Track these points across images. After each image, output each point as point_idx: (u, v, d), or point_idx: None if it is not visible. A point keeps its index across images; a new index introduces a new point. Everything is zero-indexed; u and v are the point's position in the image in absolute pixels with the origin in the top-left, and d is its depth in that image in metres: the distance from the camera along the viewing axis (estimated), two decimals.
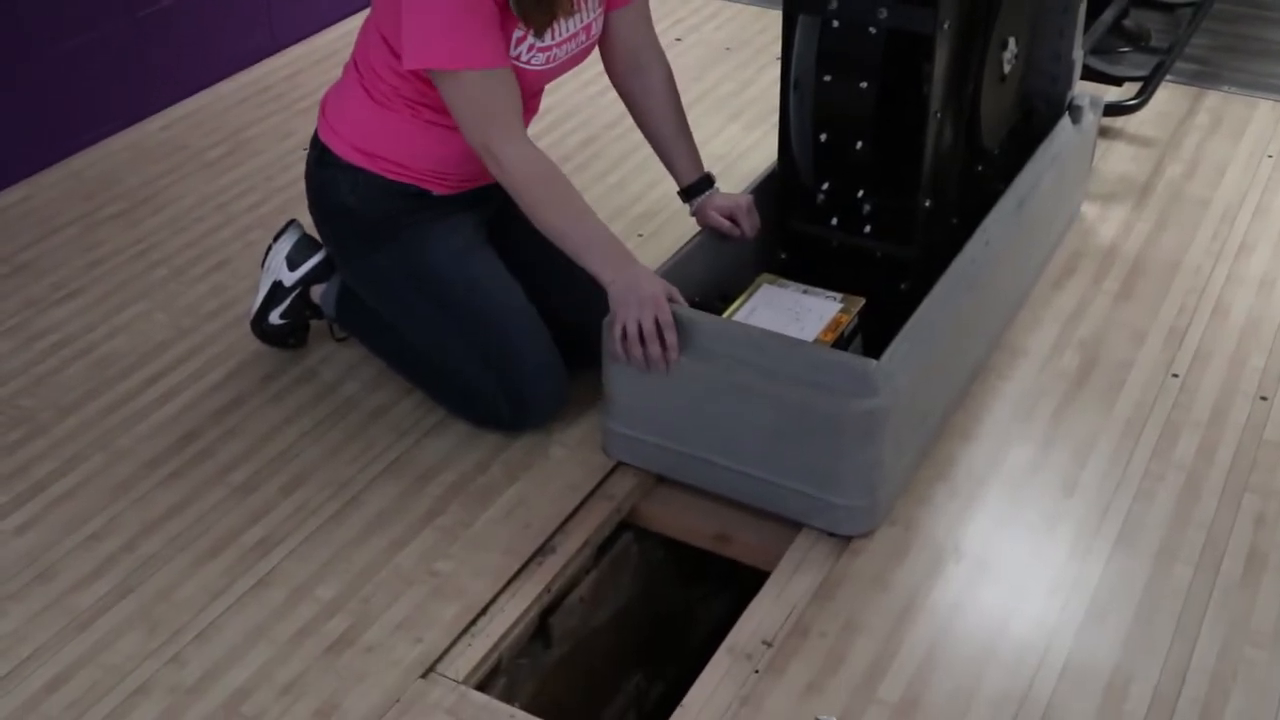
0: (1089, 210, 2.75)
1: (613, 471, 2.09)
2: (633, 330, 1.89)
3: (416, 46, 1.88)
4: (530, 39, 1.94)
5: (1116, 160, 2.94)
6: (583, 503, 2.03)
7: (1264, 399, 2.23)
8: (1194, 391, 2.24)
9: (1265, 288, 2.51)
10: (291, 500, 2.02)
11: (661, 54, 2.17)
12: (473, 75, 1.87)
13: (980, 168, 2.33)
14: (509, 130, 1.91)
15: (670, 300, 1.91)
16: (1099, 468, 2.08)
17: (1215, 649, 1.77)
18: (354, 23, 3.46)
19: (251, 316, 2.30)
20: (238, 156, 2.99)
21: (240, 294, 2.49)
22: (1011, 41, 2.25)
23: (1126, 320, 2.42)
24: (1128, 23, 3.46)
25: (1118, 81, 3.06)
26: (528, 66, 1.96)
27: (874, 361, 1.85)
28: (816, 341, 1.97)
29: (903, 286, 2.18)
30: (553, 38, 1.97)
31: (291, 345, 2.32)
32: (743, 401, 1.91)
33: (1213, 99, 3.21)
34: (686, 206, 2.20)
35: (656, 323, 1.89)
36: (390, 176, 2.06)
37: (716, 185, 2.19)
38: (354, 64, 2.09)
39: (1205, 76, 3.32)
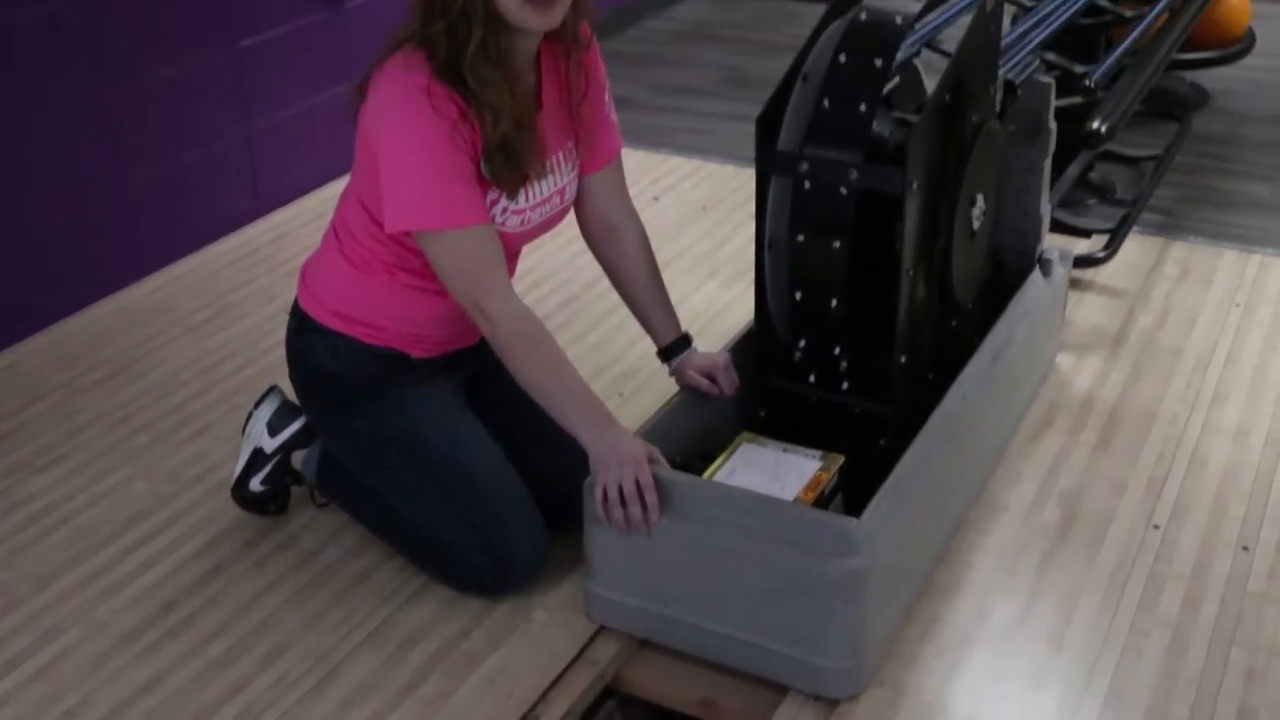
0: (1063, 361, 2.79)
1: (596, 635, 2.07)
2: (613, 493, 1.90)
3: (398, 210, 1.92)
4: (504, 201, 1.98)
5: (1088, 311, 2.98)
6: (566, 669, 2.00)
7: (1245, 549, 2.23)
8: (1175, 543, 2.25)
9: (1240, 437, 2.53)
10: (271, 672, 1.99)
11: (635, 217, 2.22)
12: (456, 234, 1.91)
13: (954, 322, 2.37)
14: (496, 286, 1.94)
15: (651, 461, 1.92)
16: (1085, 622, 2.07)
17: None
18: (336, 186, 3.50)
19: (232, 483, 2.30)
20: (223, 320, 3.01)
21: (222, 459, 2.49)
22: (980, 198, 2.30)
23: (1105, 471, 2.43)
24: (1093, 176, 3.55)
25: (1086, 234, 3.13)
26: (503, 229, 2.00)
27: (855, 520, 1.85)
28: (797, 501, 1.97)
29: (881, 443, 2.20)
30: (526, 200, 2.01)
31: (273, 511, 2.32)
32: (725, 563, 1.91)
33: (1179, 249, 3.27)
34: (666, 366, 2.23)
35: (637, 484, 1.89)
36: (368, 340, 2.08)
37: (695, 344, 2.22)
38: (333, 231, 2.13)
39: (1171, 228, 3.40)
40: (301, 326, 2.15)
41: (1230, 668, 1.98)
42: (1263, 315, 2.96)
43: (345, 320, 2.09)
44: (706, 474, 2.03)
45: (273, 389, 2.34)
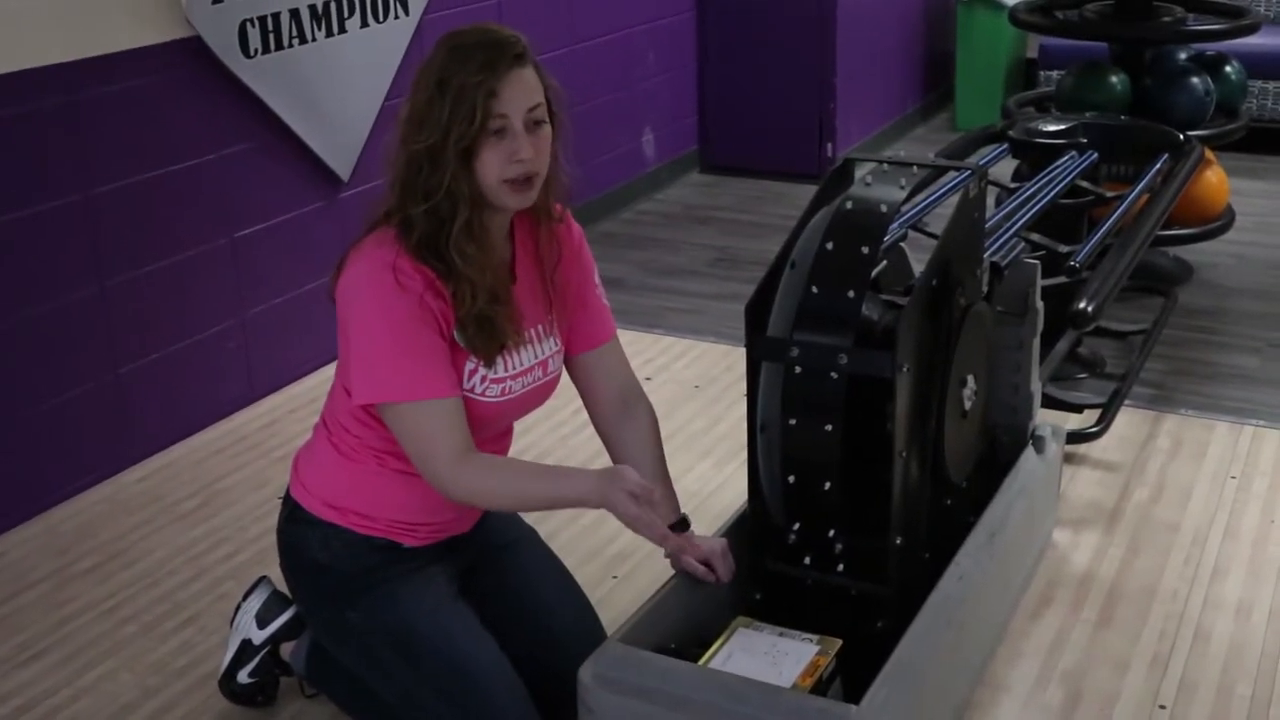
0: (1060, 537, 2.77)
1: None
2: (631, 511, 1.91)
3: (364, 381, 1.94)
4: (482, 370, 1.99)
5: (1083, 486, 2.98)
6: None
7: None
8: None
9: (1243, 613, 2.50)
10: None
11: (645, 396, 2.24)
12: (415, 406, 1.92)
13: (949, 501, 2.36)
14: (448, 452, 1.94)
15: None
16: None
17: None
18: (328, 371, 3.55)
19: (220, 675, 2.26)
20: (212, 507, 3.00)
21: (210, 650, 2.45)
22: (970, 379, 2.32)
23: (1107, 650, 2.40)
24: (1082, 350, 3.58)
25: (1078, 409, 3.14)
26: (482, 399, 2.01)
27: (854, 707, 1.82)
28: (795, 688, 1.94)
29: (879, 625, 2.17)
30: (506, 369, 2.02)
31: (260, 703, 2.27)
32: None
33: (1171, 422, 3.29)
34: (661, 549, 2.20)
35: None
36: (361, 530, 2.06)
37: (691, 528, 2.20)
38: (323, 422, 2.13)
39: (1162, 400, 3.42)
40: (293, 517, 2.13)
41: None
42: (1259, 487, 2.96)
43: (337, 511, 2.07)
44: (702, 660, 1.99)
45: (262, 580, 2.32)
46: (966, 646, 2.23)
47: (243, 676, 2.24)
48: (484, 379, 2.01)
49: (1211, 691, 2.28)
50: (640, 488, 1.92)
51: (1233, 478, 3.00)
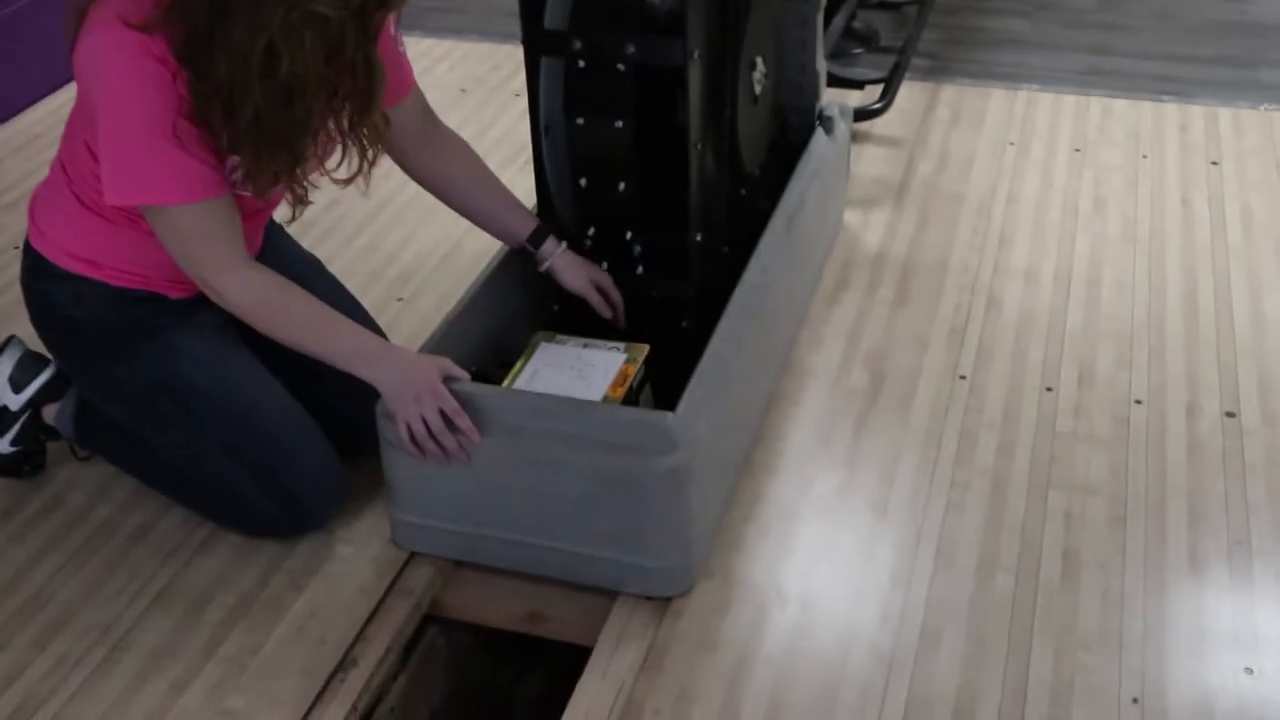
0: (851, 218, 2.74)
1: (408, 563, 1.93)
2: (419, 428, 1.76)
3: (118, 181, 1.68)
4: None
5: (869, 163, 2.94)
6: (379, 604, 1.87)
7: (1049, 390, 2.23)
8: (983, 392, 2.23)
9: (1031, 279, 2.53)
10: (49, 654, 1.80)
11: (453, 131, 2.06)
12: (183, 210, 1.69)
13: (743, 191, 2.27)
14: (225, 261, 1.73)
15: (448, 379, 1.78)
16: (906, 484, 2.04)
17: (1049, 660, 1.74)
18: (61, 98, 3.19)
19: None
20: None
21: None
22: (759, 61, 2.20)
23: (907, 327, 2.40)
24: (857, 24, 3.49)
25: (859, 85, 3.07)
26: (241, 190, 1.77)
27: (670, 415, 1.76)
28: (606, 399, 1.86)
29: (684, 325, 2.10)
30: None
31: (28, 473, 2.08)
32: (538, 474, 1.79)
33: (949, 92, 3.26)
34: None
35: (442, 413, 1.75)
36: (117, 284, 1.86)
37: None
38: (61, 165, 1.87)
39: (938, 71, 3.37)
40: (37, 270, 1.90)
41: (1050, 511, 1.98)
42: (1036, 153, 2.97)
43: (88, 264, 1.85)
44: (506, 382, 1.90)
45: (10, 339, 2.10)
46: (773, 337, 2.20)
47: (3, 446, 2.05)
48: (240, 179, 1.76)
49: (1007, 358, 2.31)
50: (435, 393, 1.74)
51: (1011, 144, 3.01)
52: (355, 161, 1.76)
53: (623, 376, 1.91)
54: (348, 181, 1.76)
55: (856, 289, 2.51)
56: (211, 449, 1.89)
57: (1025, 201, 2.79)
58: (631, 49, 1.90)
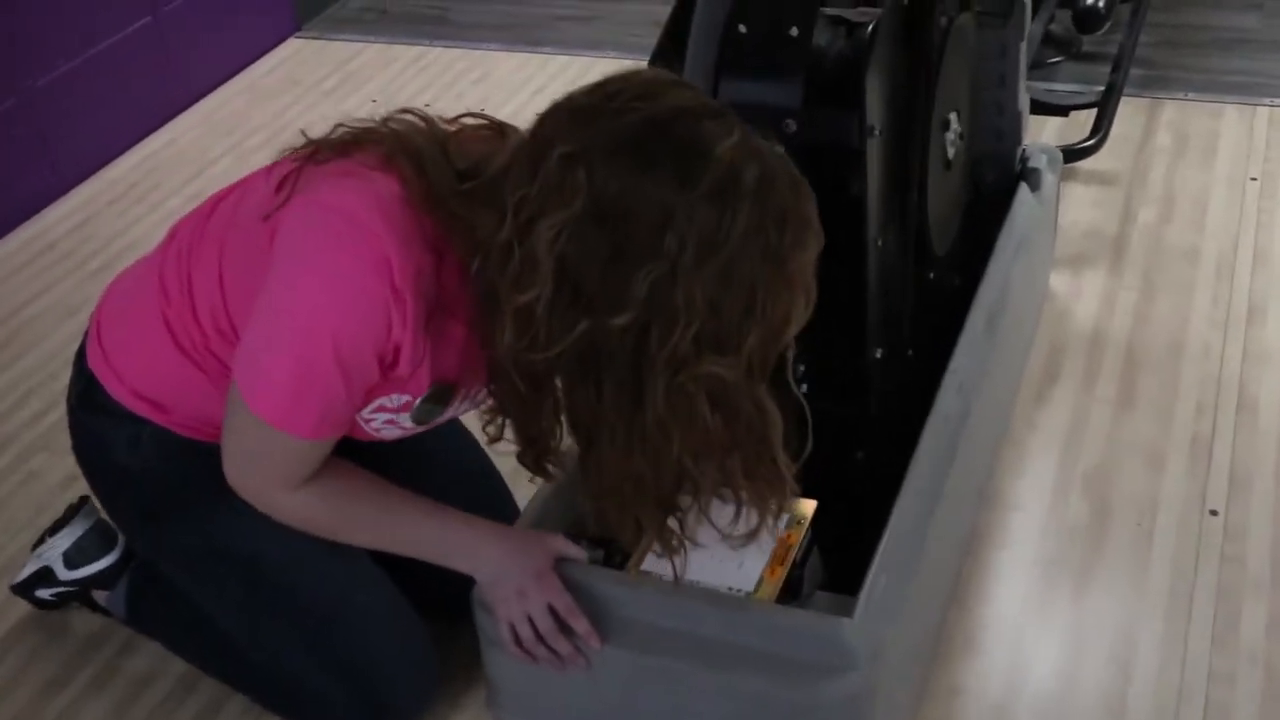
0: (1057, 283, 2.26)
1: None
2: (525, 632, 1.38)
3: (248, 372, 1.31)
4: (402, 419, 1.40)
5: (1076, 208, 2.45)
6: None
7: None
8: (1242, 535, 1.75)
9: None
10: None
11: None
12: (281, 436, 1.31)
13: (931, 275, 1.83)
14: (285, 482, 1.36)
15: (562, 562, 1.39)
16: (1148, 674, 1.58)
17: None
18: (154, 144, 2.89)
19: (14, 583, 1.76)
20: (15, 347, 2.40)
21: (13, 555, 1.91)
22: (954, 118, 1.75)
23: (1135, 436, 1.93)
24: (1054, 28, 2.98)
25: (1063, 111, 2.58)
26: (368, 428, 1.41)
27: (846, 622, 1.34)
28: (761, 584, 1.45)
29: (859, 455, 1.68)
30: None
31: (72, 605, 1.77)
32: (673, 690, 1.39)
33: (1170, 111, 2.74)
34: None
35: (553, 612, 1.37)
36: (184, 434, 1.50)
37: None
38: (160, 279, 1.46)
39: (1154, 82, 2.85)
40: (89, 400, 1.53)
41: None
42: None
43: (153, 407, 1.49)
44: (633, 561, 1.49)
45: (84, 505, 1.76)
46: (972, 470, 1.75)
47: (42, 593, 1.73)
48: (390, 421, 1.40)
49: (1270, 482, 1.83)
50: (545, 586, 1.39)
51: (1253, 179, 2.49)
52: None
53: (783, 549, 1.49)
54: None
55: (1069, 384, 2.04)
56: (279, 630, 1.53)
57: (1276, 258, 2.27)
58: (792, 126, 1.47)
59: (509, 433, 1.36)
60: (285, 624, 1.52)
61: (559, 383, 1.25)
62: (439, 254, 1.26)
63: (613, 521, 1.32)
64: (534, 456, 1.37)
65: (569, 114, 1.19)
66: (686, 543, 1.36)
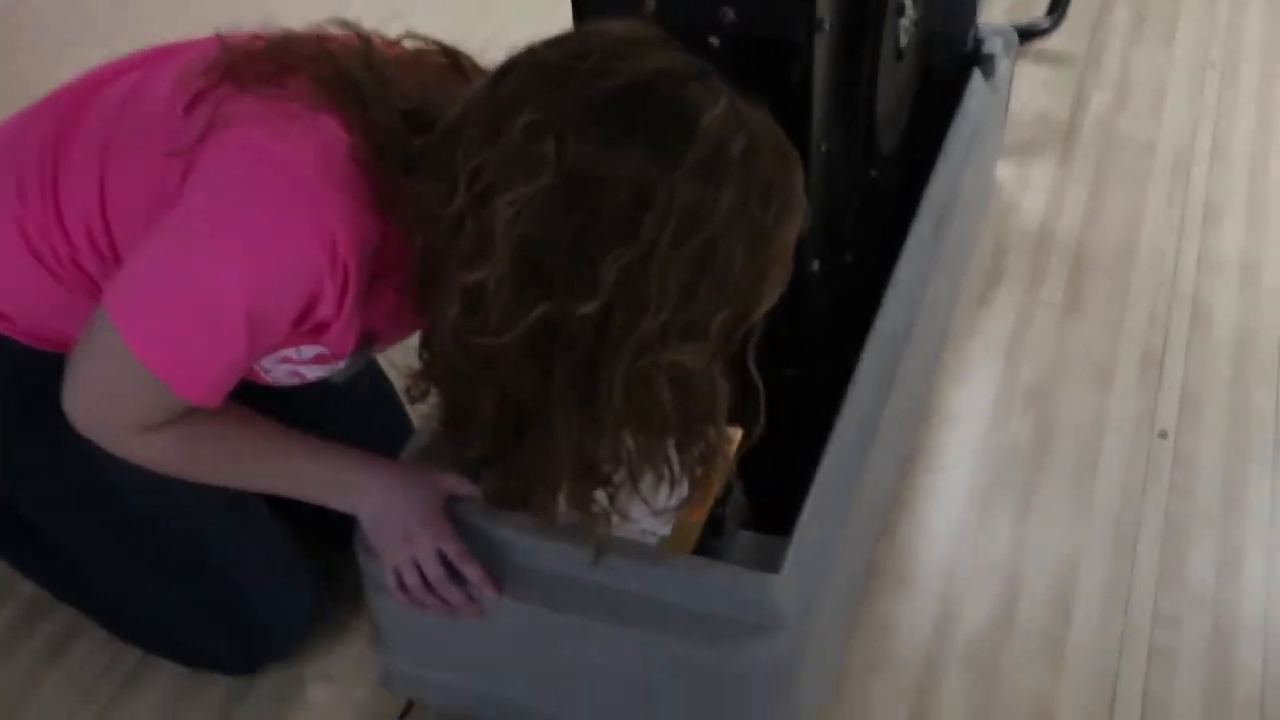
0: (1004, 173, 2.11)
1: (408, 712, 1.43)
2: (412, 579, 1.23)
3: (126, 296, 1.10)
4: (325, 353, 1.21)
5: (1025, 88, 2.29)
6: None
7: None
8: (1192, 462, 1.65)
9: (1249, 277, 1.91)
10: None
11: None
12: (149, 379, 1.10)
13: (874, 173, 1.67)
14: (142, 429, 1.16)
15: (456, 500, 1.24)
16: (1090, 616, 1.48)
17: None
18: None
19: None
20: None
21: None
22: (909, 2, 1.56)
23: (1082, 348, 1.81)
24: None
25: None
26: (267, 377, 1.24)
27: (774, 577, 1.20)
28: (678, 530, 1.31)
29: (786, 373, 1.53)
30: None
31: None
32: (578, 646, 1.26)
33: None
34: None
35: (443, 557, 1.22)
36: (35, 346, 1.30)
37: None
38: (15, 170, 1.23)
39: None
40: None
41: None
42: (1247, 80, 2.30)
43: (3, 319, 1.30)
44: None
45: None
46: (913, 389, 1.61)
47: None
48: (293, 374, 1.23)
49: (1223, 406, 1.72)
50: (436, 530, 1.23)
51: (1212, 65, 2.33)
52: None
53: (704, 489, 1.35)
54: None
55: (1013, 284, 1.91)
56: (143, 569, 1.37)
57: (1237, 155, 2.14)
58: (730, 14, 1.28)
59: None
60: (145, 558, 1.36)
61: (503, 363, 1.07)
62: (384, 216, 1.08)
63: (534, 500, 1.17)
64: (458, 426, 1.20)
65: (534, 71, 1.01)
66: (614, 517, 1.21)
